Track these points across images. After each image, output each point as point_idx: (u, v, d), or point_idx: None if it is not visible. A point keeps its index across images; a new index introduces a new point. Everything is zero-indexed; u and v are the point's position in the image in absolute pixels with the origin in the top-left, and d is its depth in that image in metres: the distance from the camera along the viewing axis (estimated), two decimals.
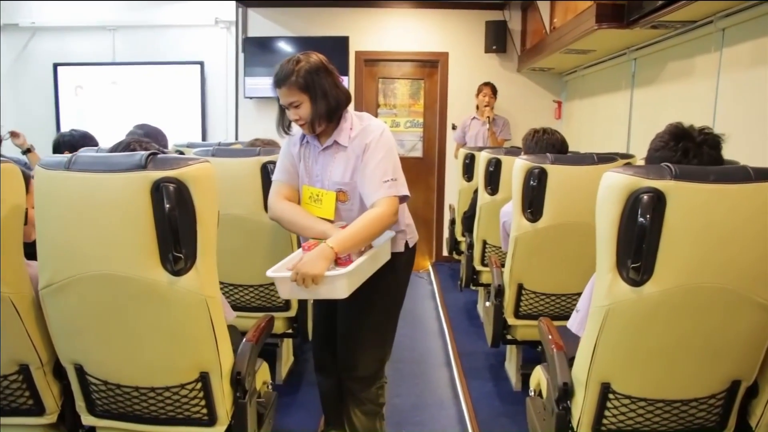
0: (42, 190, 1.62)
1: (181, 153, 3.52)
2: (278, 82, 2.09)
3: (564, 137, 2.91)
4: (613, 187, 1.54)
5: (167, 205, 1.54)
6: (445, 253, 5.92)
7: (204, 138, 6.42)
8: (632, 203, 1.51)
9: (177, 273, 1.61)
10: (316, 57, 2.12)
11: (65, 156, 1.59)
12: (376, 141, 2.13)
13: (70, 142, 3.28)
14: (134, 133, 2.94)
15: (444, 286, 5.45)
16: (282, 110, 2.20)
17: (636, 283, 1.55)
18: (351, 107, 2.23)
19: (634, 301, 1.56)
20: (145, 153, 1.57)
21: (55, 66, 6.46)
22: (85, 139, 3.34)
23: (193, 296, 1.63)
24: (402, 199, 2.16)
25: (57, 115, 6.51)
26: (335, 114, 2.14)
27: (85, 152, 1.87)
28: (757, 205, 1.50)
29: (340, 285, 1.95)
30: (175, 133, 5.80)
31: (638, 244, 1.52)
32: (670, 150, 1.71)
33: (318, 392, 2.58)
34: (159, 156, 1.58)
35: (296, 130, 2.27)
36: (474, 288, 4.26)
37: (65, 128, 6.40)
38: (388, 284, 2.31)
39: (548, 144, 2.84)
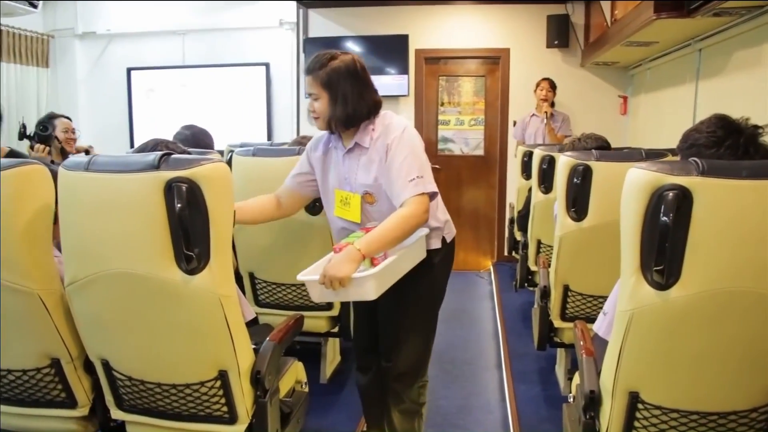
0: (64, 190, 1.67)
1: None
2: (307, 70, 2.12)
3: (608, 141, 2.80)
4: (635, 183, 1.45)
5: (178, 205, 1.56)
6: (506, 252, 5.80)
7: (269, 138, 6.53)
8: (656, 201, 1.41)
9: (191, 272, 1.63)
10: (351, 60, 2.09)
11: (85, 157, 1.64)
12: (398, 140, 2.08)
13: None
14: (180, 133, 3.01)
15: (502, 287, 5.34)
16: None
17: (661, 286, 1.45)
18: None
19: (659, 306, 1.46)
20: (159, 153, 1.59)
21: (129, 70, 6.72)
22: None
23: (207, 295, 1.64)
24: (432, 196, 2.10)
25: (130, 118, 6.78)
26: (350, 123, 2.11)
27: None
28: None
29: (369, 286, 1.92)
30: (242, 133, 5.95)
31: (662, 245, 1.42)
32: (728, 148, 1.59)
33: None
34: (173, 156, 1.60)
35: (316, 132, 2.29)
36: (531, 289, 4.16)
37: (138, 130, 6.71)
38: (427, 281, 2.27)
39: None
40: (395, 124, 2.13)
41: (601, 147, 2.78)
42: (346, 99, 2.06)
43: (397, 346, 2.31)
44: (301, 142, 2.96)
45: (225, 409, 1.81)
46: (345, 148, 2.18)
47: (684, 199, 1.39)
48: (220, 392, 1.79)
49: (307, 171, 2.32)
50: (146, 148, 1.98)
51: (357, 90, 2.08)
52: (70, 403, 1.90)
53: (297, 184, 2.34)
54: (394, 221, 2.01)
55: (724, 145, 1.58)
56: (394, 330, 2.31)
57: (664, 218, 1.40)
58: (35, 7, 5.67)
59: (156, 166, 1.57)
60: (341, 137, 2.20)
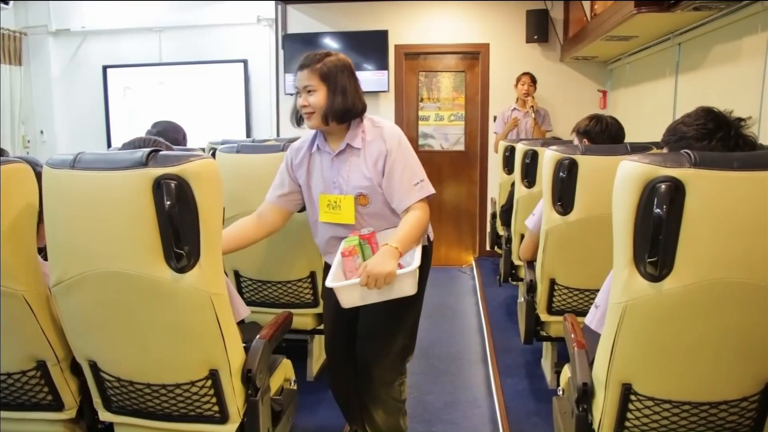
0: (49, 189, 1.63)
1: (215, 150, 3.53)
2: (301, 66, 2.09)
3: (621, 130, 2.79)
4: (628, 176, 1.45)
5: (167, 202, 1.53)
6: (488, 247, 5.82)
7: (248, 135, 6.49)
8: (648, 193, 1.42)
9: (181, 270, 1.60)
10: (345, 58, 2.14)
11: (70, 154, 1.60)
12: (396, 147, 2.13)
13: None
14: (150, 131, 2.96)
15: (485, 281, 5.36)
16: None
17: (654, 278, 1.46)
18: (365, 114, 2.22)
19: (652, 298, 1.47)
20: (146, 150, 1.56)
21: (105, 68, 6.62)
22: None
23: (197, 293, 1.62)
24: (430, 197, 2.18)
25: (107, 116, 6.68)
26: (347, 117, 2.13)
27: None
28: None
29: (409, 282, 1.96)
30: (220, 130, 5.90)
31: (655, 237, 1.42)
32: (719, 141, 1.60)
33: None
34: (161, 153, 1.57)
35: (298, 144, 2.29)
36: (514, 283, 4.17)
37: (115, 128, 6.62)
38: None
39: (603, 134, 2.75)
40: (389, 129, 2.17)
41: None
42: (345, 91, 2.09)
43: (382, 349, 2.29)
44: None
45: (216, 408, 1.79)
46: (333, 152, 2.18)
47: (677, 190, 1.39)
48: (211, 392, 1.76)
49: (290, 186, 2.30)
50: (130, 146, 1.94)
51: (353, 85, 2.12)
52: (57, 405, 1.86)
53: (282, 200, 2.31)
54: (414, 223, 2.08)
55: (716, 138, 1.59)
56: (378, 333, 2.28)
57: (657, 210, 1.40)
58: (6, 3, 5.57)
59: (144, 163, 1.54)
60: (327, 141, 2.20)
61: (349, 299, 1.99)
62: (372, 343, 2.29)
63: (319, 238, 2.32)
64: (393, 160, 2.12)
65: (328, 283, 1.98)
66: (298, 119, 2.20)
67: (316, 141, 2.23)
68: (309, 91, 2.08)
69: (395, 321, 2.28)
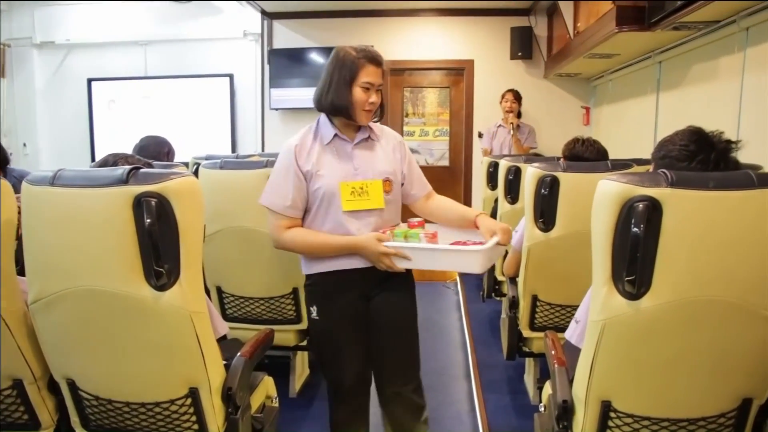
0: (28, 206, 1.62)
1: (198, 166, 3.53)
2: (380, 62, 2.11)
3: (604, 148, 2.79)
4: (606, 195, 1.47)
5: (148, 220, 1.52)
6: None
7: (233, 150, 6.48)
8: (626, 212, 1.44)
9: (161, 288, 1.59)
10: None
11: (50, 171, 1.59)
12: (404, 143, 2.32)
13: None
14: (135, 145, 2.96)
15: (469, 297, 5.35)
16: (348, 89, 2.05)
17: (632, 296, 1.47)
18: None
19: (631, 316, 1.48)
20: (127, 167, 1.56)
21: (89, 81, 6.62)
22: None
23: (177, 312, 1.61)
24: None
25: (91, 129, 6.68)
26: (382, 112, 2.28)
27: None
28: (760, 212, 1.40)
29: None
30: (206, 145, 5.89)
31: (633, 256, 1.44)
32: (699, 163, 1.62)
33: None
34: (141, 170, 1.57)
35: (298, 141, 2.14)
36: (498, 298, 4.18)
37: (99, 142, 6.60)
38: (410, 284, 2.34)
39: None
40: (390, 129, 2.35)
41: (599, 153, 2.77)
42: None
43: (412, 357, 2.34)
44: None
45: (196, 427, 1.77)
46: (353, 140, 2.15)
47: (654, 210, 1.41)
48: (191, 410, 1.75)
49: (302, 202, 2.13)
50: (106, 163, 1.91)
51: None
52: (33, 424, 1.84)
53: (296, 212, 2.14)
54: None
55: (696, 160, 1.61)
56: (406, 343, 2.30)
57: (635, 229, 1.42)
58: None
59: (124, 181, 1.54)
60: (341, 131, 2.13)
61: (484, 264, 2.05)
62: (404, 356, 2.31)
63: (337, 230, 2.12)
64: (406, 151, 2.30)
65: (475, 248, 2.04)
66: (342, 110, 2.09)
67: (333, 131, 2.12)
68: (379, 90, 2.12)
69: (413, 327, 2.34)
